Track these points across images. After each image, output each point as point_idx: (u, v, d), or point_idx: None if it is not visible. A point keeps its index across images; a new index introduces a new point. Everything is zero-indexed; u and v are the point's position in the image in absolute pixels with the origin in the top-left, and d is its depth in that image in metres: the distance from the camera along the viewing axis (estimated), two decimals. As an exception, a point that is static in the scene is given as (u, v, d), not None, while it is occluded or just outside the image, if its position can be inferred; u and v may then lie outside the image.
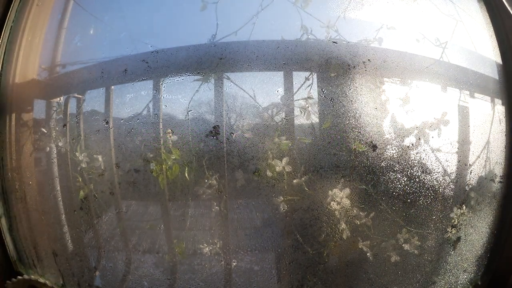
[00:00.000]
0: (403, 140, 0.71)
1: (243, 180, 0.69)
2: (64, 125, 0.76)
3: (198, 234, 0.75)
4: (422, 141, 0.71)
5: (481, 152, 0.78)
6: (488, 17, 0.84)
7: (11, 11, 0.77)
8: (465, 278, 0.82)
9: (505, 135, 0.80)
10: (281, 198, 0.70)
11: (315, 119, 0.70)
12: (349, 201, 0.69)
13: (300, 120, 0.70)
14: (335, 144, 0.70)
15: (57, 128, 0.77)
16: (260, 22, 0.71)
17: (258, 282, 0.75)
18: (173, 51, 0.72)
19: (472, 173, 0.77)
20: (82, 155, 0.75)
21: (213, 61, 0.70)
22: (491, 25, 0.83)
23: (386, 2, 0.77)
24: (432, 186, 0.74)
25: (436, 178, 0.74)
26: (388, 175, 0.72)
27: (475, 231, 0.81)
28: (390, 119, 0.71)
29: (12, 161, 0.78)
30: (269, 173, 0.68)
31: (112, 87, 0.74)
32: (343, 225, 0.70)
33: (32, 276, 0.79)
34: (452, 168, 0.75)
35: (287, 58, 0.70)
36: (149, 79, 0.72)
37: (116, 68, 0.74)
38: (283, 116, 0.69)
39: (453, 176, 0.76)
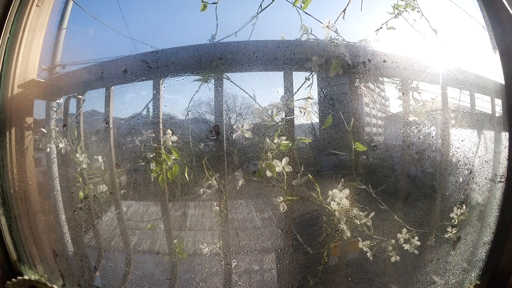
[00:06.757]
0: (403, 140, 0.71)
1: (243, 180, 0.69)
2: (64, 126, 0.77)
3: (198, 234, 0.75)
4: (422, 141, 0.71)
5: (481, 152, 0.78)
6: (488, 17, 0.84)
7: (11, 11, 0.77)
8: (465, 278, 0.82)
9: (505, 135, 0.80)
10: (281, 198, 0.70)
11: (315, 119, 0.70)
12: (349, 201, 0.69)
13: (300, 120, 0.70)
14: (335, 144, 0.70)
15: (57, 129, 0.77)
16: (260, 23, 0.71)
17: (258, 282, 0.75)
18: (173, 51, 0.72)
19: (472, 173, 0.77)
20: (83, 155, 0.75)
21: (213, 61, 0.70)
22: (491, 25, 0.83)
23: (386, 2, 0.77)
24: (432, 186, 0.74)
25: (436, 178, 0.74)
26: (388, 175, 0.72)
27: (475, 231, 0.81)
28: (390, 119, 0.71)
29: (13, 161, 0.78)
30: (269, 173, 0.68)
31: (112, 87, 0.74)
32: (343, 225, 0.70)
33: (32, 276, 0.79)
34: (452, 168, 0.75)
35: (287, 58, 0.70)
36: (149, 79, 0.72)
37: (116, 68, 0.74)
38: (283, 116, 0.69)
39: (453, 176, 0.76)
